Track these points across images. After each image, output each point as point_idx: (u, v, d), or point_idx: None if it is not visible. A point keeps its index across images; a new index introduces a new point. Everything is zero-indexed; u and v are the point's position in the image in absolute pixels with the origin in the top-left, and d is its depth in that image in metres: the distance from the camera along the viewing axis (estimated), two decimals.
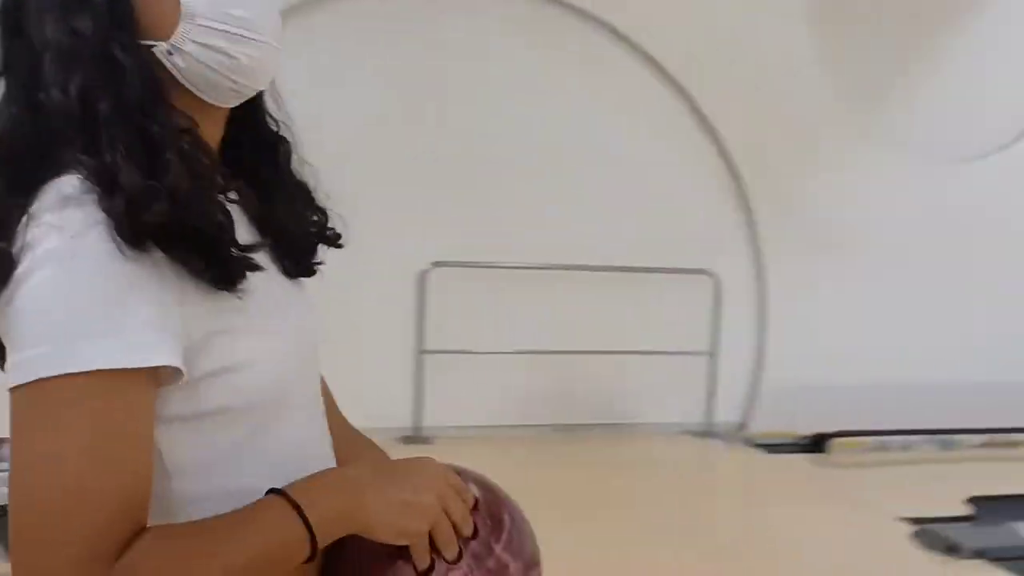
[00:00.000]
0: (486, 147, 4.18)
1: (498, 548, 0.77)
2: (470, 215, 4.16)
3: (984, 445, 4.71)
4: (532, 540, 0.82)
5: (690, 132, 4.51)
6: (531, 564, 0.80)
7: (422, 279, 4.20)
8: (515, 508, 0.82)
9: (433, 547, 0.74)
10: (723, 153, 4.54)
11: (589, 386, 4.52)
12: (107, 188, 0.66)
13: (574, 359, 4.36)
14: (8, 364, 0.66)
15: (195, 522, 0.69)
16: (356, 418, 1.01)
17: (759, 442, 4.50)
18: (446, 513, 0.74)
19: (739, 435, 4.60)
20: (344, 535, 0.72)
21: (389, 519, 0.72)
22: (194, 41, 0.73)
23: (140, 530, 0.66)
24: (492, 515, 0.79)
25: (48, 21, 0.70)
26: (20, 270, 0.65)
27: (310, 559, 0.70)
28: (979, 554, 3.06)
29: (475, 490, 0.79)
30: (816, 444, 4.49)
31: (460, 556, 0.75)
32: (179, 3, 0.72)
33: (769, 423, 4.59)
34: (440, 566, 0.74)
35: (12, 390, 0.64)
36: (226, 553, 0.67)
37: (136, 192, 0.66)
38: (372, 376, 3.79)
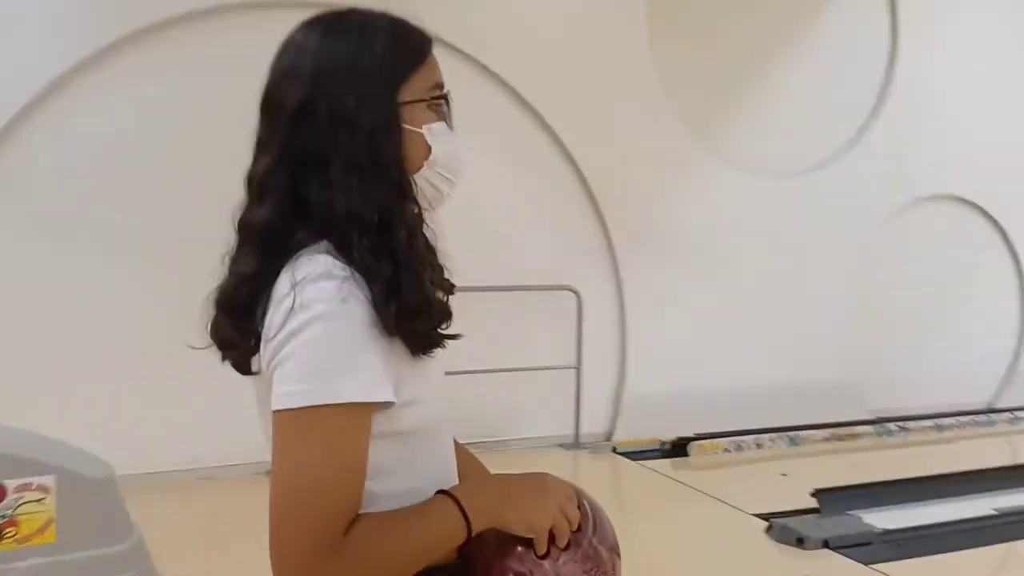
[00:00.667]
0: None
1: (593, 538, 1.04)
2: None
3: (827, 439, 5.07)
4: (612, 531, 1.07)
5: (551, 158, 4.71)
6: (613, 548, 1.06)
7: None
8: (598, 507, 1.09)
9: (550, 538, 0.99)
10: (581, 177, 4.73)
11: (460, 406, 4.56)
12: (382, 289, 0.91)
13: (445, 380, 4.40)
14: (279, 392, 0.89)
15: (391, 512, 0.94)
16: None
17: (624, 450, 4.69)
18: (563, 513, 1.00)
19: (606, 445, 4.77)
20: (487, 527, 0.97)
21: (522, 516, 0.98)
22: (427, 180, 1.00)
23: (356, 516, 0.90)
24: (585, 513, 1.04)
25: (345, 136, 0.92)
26: (296, 323, 0.88)
27: (465, 544, 0.95)
28: (824, 544, 3.31)
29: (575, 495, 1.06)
30: (677, 448, 4.71)
31: (568, 545, 1.01)
32: (430, 150, 0.98)
33: (633, 431, 4.79)
34: (554, 552, 1.00)
35: (280, 412, 0.88)
36: (412, 534, 0.93)
37: (416, 304, 0.94)
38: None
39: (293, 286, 0.90)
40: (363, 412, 0.90)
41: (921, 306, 5.44)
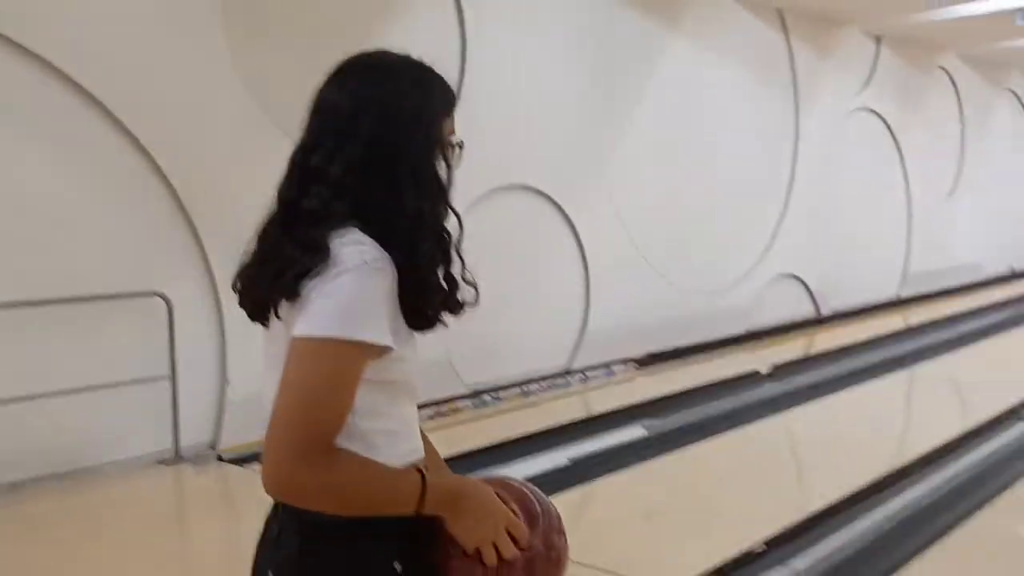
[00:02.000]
0: None
1: (534, 539, 1.21)
2: None
3: (432, 417, 5.38)
4: (552, 526, 1.26)
5: (123, 156, 4.33)
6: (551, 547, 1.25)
7: None
8: (540, 501, 1.27)
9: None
10: (159, 174, 4.44)
11: (36, 437, 4.07)
12: (410, 264, 1.17)
13: (10, 410, 3.89)
14: (305, 322, 1.09)
15: (373, 460, 1.15)
16: None
17: (232, 457, 4.53)
18: (506, 533, 1.19)
19: (210, 454, 4.57)
20: (437, 514, 1.17)
21: (465, 528, 1.18)
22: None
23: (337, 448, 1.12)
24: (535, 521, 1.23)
25: (418, 152, 1.22)
26: (335, 269, 1.10)
27: (414, 514, 1.15)
28: None
29: (515, 505, 1.23)
30: None
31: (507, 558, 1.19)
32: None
33: (241, 436, 4.64)
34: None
35: (303, 338, 1.09)
36: (379, 483, 1.15)
37: (433, 293, 1.21)
38: None
39: (332, 246, 1.13)
40: (366, 352, 1.12)
41: (502, 285, 5.99)
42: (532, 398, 5.94)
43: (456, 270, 1.27)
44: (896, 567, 3.09)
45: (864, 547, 3.27)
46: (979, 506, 3.69)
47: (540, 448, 4.60)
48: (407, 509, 1.15)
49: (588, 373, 6.51)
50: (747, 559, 3.14)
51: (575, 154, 6.56)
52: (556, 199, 6.48)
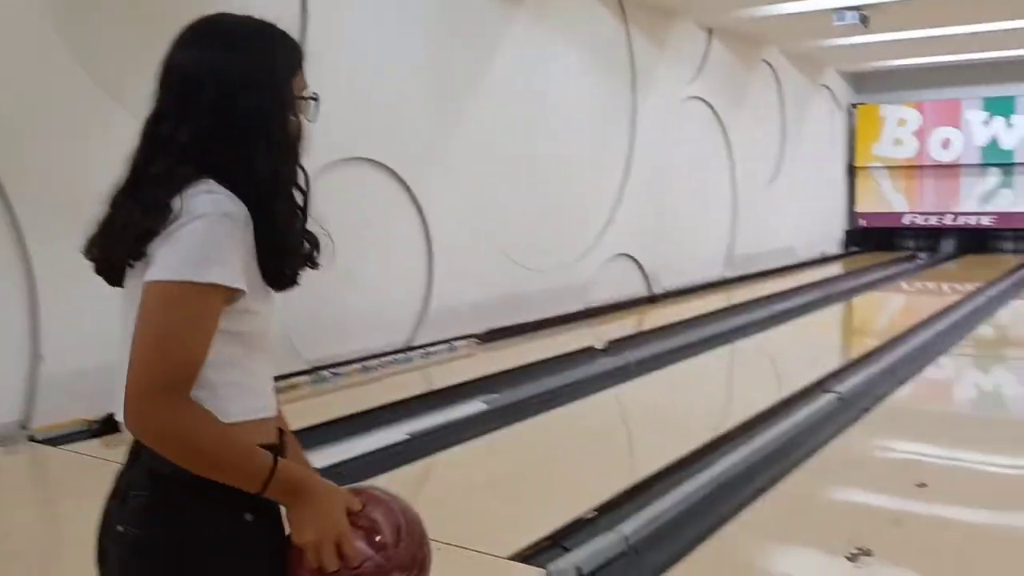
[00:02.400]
0: None
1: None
2: None
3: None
4: (414, 539, 1.32)
5: None
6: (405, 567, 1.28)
7: None
8: (405, 512, 1.33)
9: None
10: None
11: None
12: (268, 223, 1.22)
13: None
14: (156, 268, 1.15)
15: (231, 428, 1.19)
16: None
17: (45, 436, 4.22)
18: (336, 542, 1.22)
19: (21, 434, 4.24)
20: (279, 499, 1.21)
21: (300, 523, 1.21)
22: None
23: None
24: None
25: (261, 115, 1.25)
26: (184, 219, 1.15)
27: (255, 492, 1.18)
28: None
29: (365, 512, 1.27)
30: (108, 426, 4.40)
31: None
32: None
33: (55, 415, 4.33)
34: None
35: (155, 283, 1.15)
36: (230, 447, 1.17)
37: (289, 247, 1.27)
38: None
39: (182, 200, 1.16)
40: (218, 295, 1.15)
41: (342, 260, 5.85)
42: (373, 374, 5.89)
43: (312, 226, 1.33)
44: (717, 526, 3.29)
45: (688, 509, 3.46)
46: (789, 470, 3.98)
47: (380, 423, 4.57)
48: (252, 484, 1.17)
49: (430, 349, 6.52)
50: (578, 526, 3.25)
51: (419, 129, 6.51)
52: (400, 174, 6.42)
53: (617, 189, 9.04)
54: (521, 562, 2.95)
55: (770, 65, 12.31)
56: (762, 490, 3.71)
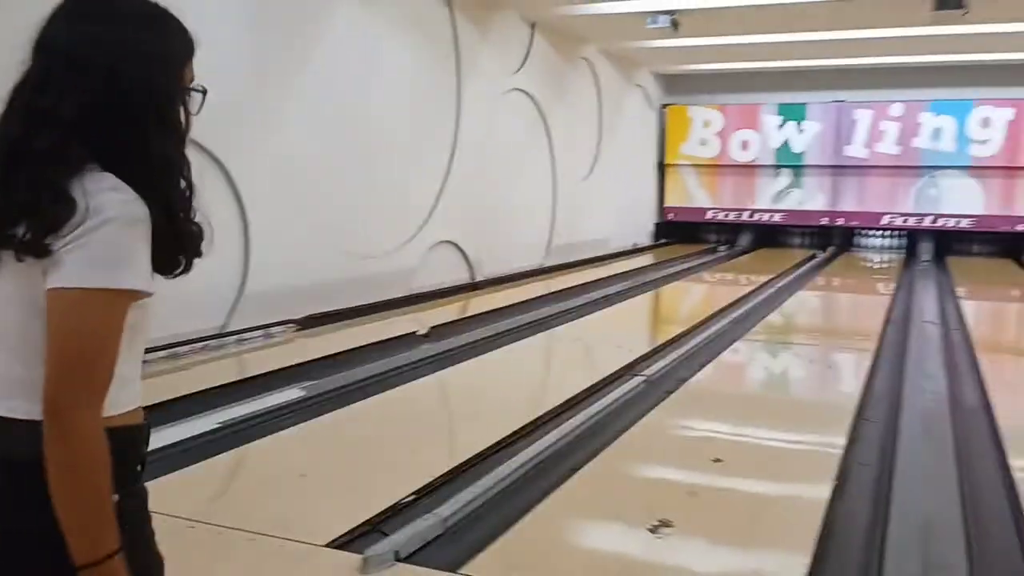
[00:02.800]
0: None
1: None
2: None
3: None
4: None
5: None
6: None
7: None
8: None
9: None
10: None
11: None
12: (164, 210, 1.22)
13: None
14: (68, 273, 1.13)
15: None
16: None
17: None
18: None
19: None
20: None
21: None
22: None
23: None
24: None
25: (151, 100, 1.22)
26: (92, 221, 1.13)
27: (89, 558, 1.15)
28: None
29: None
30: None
31: None
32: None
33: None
34: None
35: (69, 289, 1.13)
36: (107, 495, 1.17)
37: (183, 233, 1.27)
38: None
39: (85, 195, 1.13)
40: (129, 299, 1.17)
41: None
42: (182, 361, 5.61)
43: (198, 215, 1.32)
44: (531, 505, 3.41)
45: (504, 489, 3.56)
46: (600, 449, 4.19)
47: (189, 412, 4.37)
48: (94, 547, 1.14)
49: (244, 335, 6.30)
50: (397, 510, 3.27)
51: (239, 111, 6.25)
52: (217, 156, 6.14)
53: (442, 177, 9.09)
54: (338, 549, 2.93)
55: (589, 63, 12.77)
56: (574, 469, 3.87)
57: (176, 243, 1.25)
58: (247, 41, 6.36)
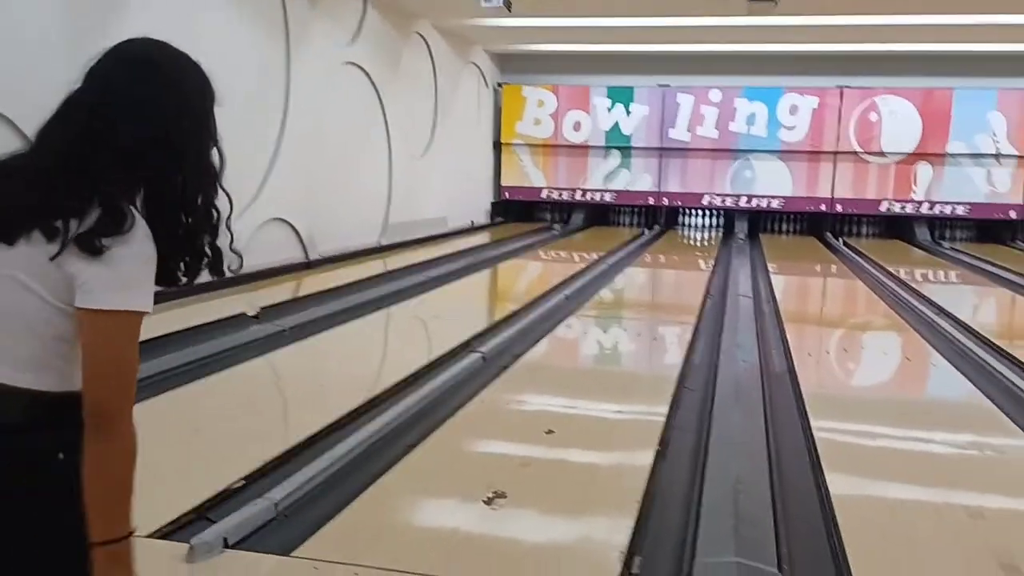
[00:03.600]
0: None
1: None
2: None
3: None
4: None
5: None
6: None
7: None
8: None
9: None
10: None
11: None
12: (177, 245, 1.48)
13: None
14: (100, 294, 1.33)
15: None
16: None
17: None
18: None
19: None
20: (104, 560, 1.42)
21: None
22: None
23: None
24: None
25: (193, 153, 1.47)
26: (122, 247, 1.33)
27: (112, 536, 1.42)
28: None
29: None
30: None
31: None
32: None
33: None
34: None
35: (101, 311, 1.34)
36: (131, 486, 1.45)
37: (206, 252, 1.54)
38: None
39: (113, 218, 1.34)
40: (141, 319, 1.39)
41: None
42: None
43: (222, 241, 1.56)
44: (367, 485, 3.41)
45: (340, 470, 3.53)
46: (437, 425, 4.23)
47: None
48: (118, 524, 1.42)
49: None
50: (226, 496, 3.17)
51: (53, 84, 5.77)
52: (28, 133, 5.65)
53: (272, 152, 8.78)
54: (163, 539, 2.82)
55: (424, 39, 12.68)
56: (412, 446, 3.90)
57: (187, 264, 1.51)
58: (60, 24, 5.87)
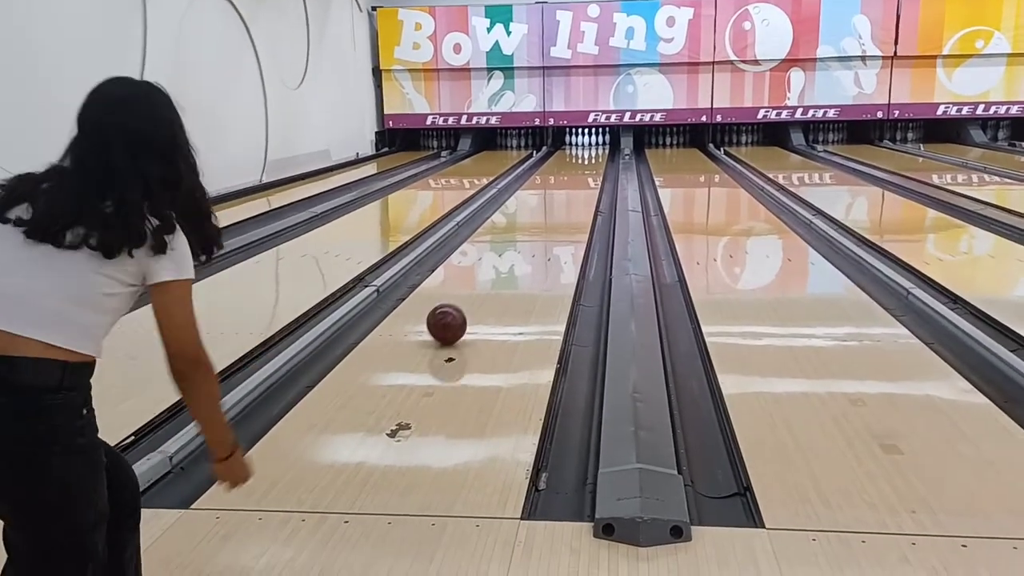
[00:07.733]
0: None
1: None
2: None
3: None
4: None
5: None
6: None
7: None
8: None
9: None
10: None
11: None
12: (201, 219, 1.95)
13: None
14: (168, 270, 1.80)
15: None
16: None
17: None
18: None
19: None
20: (228, 451, 2.02)
21: (225, 472, 2.05)
22: None
23: None
24: None
25: (188, 174, 1.92)
26: (175, 247, 1.81)
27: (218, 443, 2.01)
28: None
29: None
30: None
31: None
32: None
33: None
34: None
35: (174, 281, 1.82)
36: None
37: (210, 241, 1.99)
38: None
39: (168, 227, 1.80)
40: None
41: None
42: None
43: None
44: (267, 428, 3.33)
45: (237, 415, 3.44)
46: (336, 363, 4.16)
47: None
48: (231, 435, 2.00)
49: None
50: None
51: None
52: None
53: None
54: None
55: None
56: (310, 386, 3.83)
57: (209, 242, 1.96)
58: None
